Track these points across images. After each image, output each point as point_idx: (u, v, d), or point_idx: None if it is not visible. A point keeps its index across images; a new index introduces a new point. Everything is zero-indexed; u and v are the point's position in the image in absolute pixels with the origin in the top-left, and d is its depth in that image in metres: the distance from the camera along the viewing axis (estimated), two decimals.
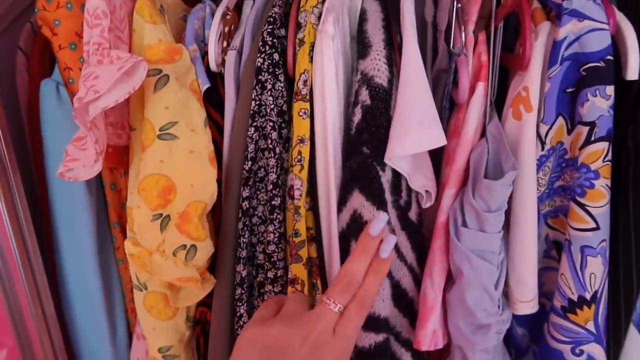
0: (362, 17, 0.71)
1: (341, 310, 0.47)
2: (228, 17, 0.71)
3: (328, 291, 0.48)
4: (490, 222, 0.64)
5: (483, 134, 0.70)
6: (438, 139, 0.65)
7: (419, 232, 0.73)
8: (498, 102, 0.71)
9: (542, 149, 0.66)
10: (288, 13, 0.73)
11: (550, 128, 0.65)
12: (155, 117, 0.63)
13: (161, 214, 0.64)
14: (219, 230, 0.74)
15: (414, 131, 0.64)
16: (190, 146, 0.64)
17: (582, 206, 0.63)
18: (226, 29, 0.71)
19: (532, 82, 0.64)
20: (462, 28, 0.65)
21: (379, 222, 0.50)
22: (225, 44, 0.72)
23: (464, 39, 0.65)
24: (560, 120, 0.65)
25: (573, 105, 0.64)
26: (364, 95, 0.66)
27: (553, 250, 0.73)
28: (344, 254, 0.70)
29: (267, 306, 0.50)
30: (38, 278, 0.76)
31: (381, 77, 0.65)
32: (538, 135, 0.66)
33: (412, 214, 0.72)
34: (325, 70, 0.65)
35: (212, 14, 0.75)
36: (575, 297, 0.65)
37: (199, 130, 0.66)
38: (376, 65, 0.65)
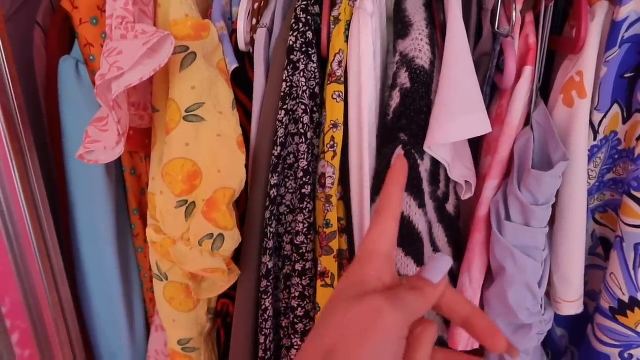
0: None
1: None
2: None
3: None
4: (537, 216, 0.60)
5: (527, 122, 0.66)
6: (483, 126, 0.60)
7: (456, 225, 0.69)
8: (542, 88, 0.67)
9: (595, 138, 0.62)
10: None
11: (604, 116, 0.61)
12: (181, 97, 0.59)
13: (186, 201, 0.61)
14: (243, 219, 0.70)
15: (457, 117, 0.60)
16: (217, 129, 0.60)
17: (637, 200, 0.58)
18: (255, 6, 0.67)
19: (587, 66, 0.59)
20: (514, 7, 0.60)
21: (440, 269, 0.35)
22: (254, 21, 0.67)
23: (514, 19, 0.60)
24: (616, 108, 0.61)
25: (631, 92, 0.59)
26: (403, 78, 0.62)
27: (599, 248, 0.69)
28: None
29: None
30: (55, 263, 0.73)
31: (423, 58, 0.61)
32: (590, 123, 0.61)
33: (450, 206, 0.68)
34: (363, 51, 0.61)
35: None
36: (626, 298, 0.61)
37: (226, 113, 0.62)
38: (418, 45, 0.61)
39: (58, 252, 0.72)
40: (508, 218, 0.62)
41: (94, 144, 0.58)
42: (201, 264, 0.59)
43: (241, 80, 0.68)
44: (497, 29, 0.64)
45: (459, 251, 0.69)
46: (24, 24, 0.71)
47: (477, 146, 0.71)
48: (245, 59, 0.68)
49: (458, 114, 0.59)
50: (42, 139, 0.74)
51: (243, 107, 0.68)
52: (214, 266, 0.60)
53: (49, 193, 0.71)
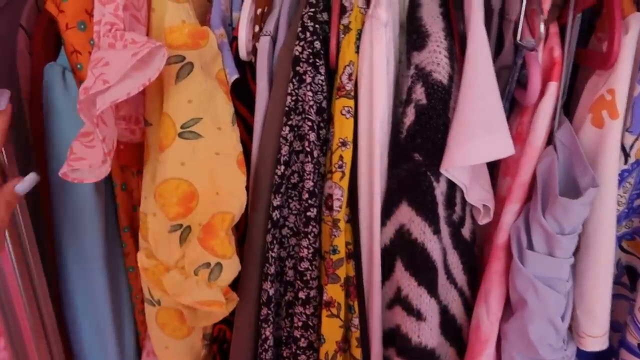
0: (415, 3, 0.62)
1: None
2: None
3: None
4: (562, 245, 0.55)
5: (549, 141, 0.61)
6: (506, 147, 0.56)
7: (472, 251, 0.64)
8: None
9: (625, 162, 0.57)
10: None
11: (637, 139, 0.56)
12: (177, 112, 0.54)
13: (181, 225, 0.56)
14: (241, 242, 0.65)
15: (477, 137, 0.55)
16: (216, 147, 0.55)
17: None
18: (258, 12, 0.62)
19: (620, 83, 0.54)
20: (540, 18, 0.55)
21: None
22: (257, 28, 0.62)
23: (542, 31, 0.55)
24: None
25: None
26: (419, 93, 0.57)
27: (624, 277, 0.64)
28: (387, 272, 0.62)
29: None
30: (37, 284, 0.68)
31: (441, 72, 0.56)
32: (622, 146, 0.56)
33: (466, 231, 0.63)
34: (376, 63, 0.56)
35: None
36: None
37: (226, 128, 0.57)
38: (435, 58, 0.56)
39: (41, 272, 0.67)
40: (530, 247, 0.57)
41: (79, 161, 0.53)
42: (197, 295, 0.54)
43: (241, 92, 0.63)
44: (520, 40, 0.59)
45: (474, 279, 0.65)
46: (7, 27, 0.66)
47: (492, 164, 0.67)
48: (246, 68, 0.63)
49: (478, 134, 0.55)
50: (26, 151, 0.68)
51: (243, 121, 0.63)
52: (211, 298, 0.55)
53: (33, 211, 0.66)
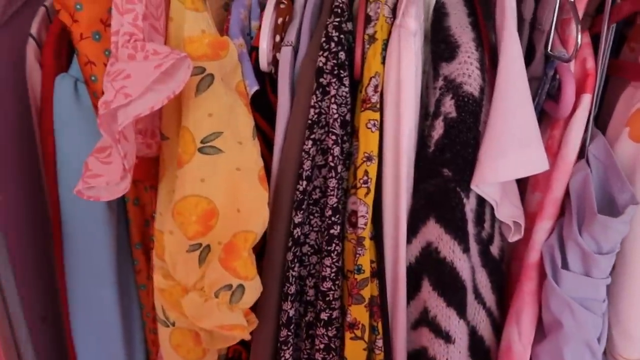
0: (441, 11, 0.60)
1: None
2: (282, 6, 0.60)
3: None
4: (600, 265, 0.53)
5: (580, 154, 0.59)
6: (540, 163, 0.53)
7: (500, 269, 0.62)
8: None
9: None
10: (352, 3, 0.61)
11: None
12: (197, 126, 0.52)
13: (200, 244, 0.53)
14: (258, 258, 0.62)
15: (510, 152, 0.53)
16: (237, 162, 0.53)
17: None
18: (279, 21, 0.60)
19: None
20: (574, 28, 0.53)
21: None
22: (277, 38, 0.60)
23: (578, 41, 0.53)
24: None
25: None
26: (448, 106, 0.54)
27: None
28: (412, 292, 0.59)
29: None
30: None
31: (472, 84, 0.53)
32: None
33: (495, 249, 0.61)
34: (404, 74, 0.54)
35: (259, 1, 0.64)
36: None
37: (247, 143, 0.54)
38: (466, 70, 0.54)
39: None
40: (565, 266, 0.55)
41: (95, 178, 0.50)
42: (218, 319, 0.52)
43: (260, 103, 0.61)
44: (551, 51, 0.57)
45: (502, 298, 0.62)
46: (17, 37, 0.63)
47: (519, 179, 0.64)
48: (265, 80, 0.61)
49: (511, 149, 0.53)
50: (35, 165, 0.66)
51: (263, 134, 0.61)
52: (233, 322, 0.52)
53: (41, 227, 0.64)
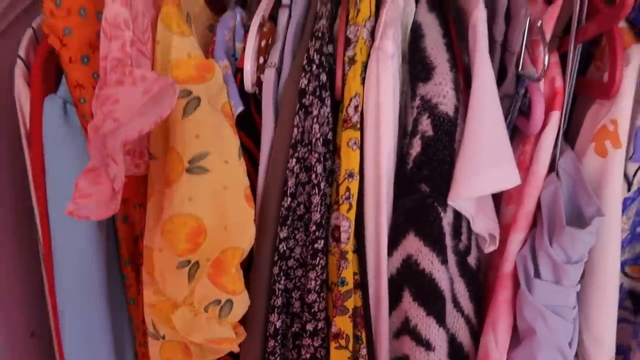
0: (418, 32, 0.62)
1: None
2: (265, 28, 0.62)
3: None
4: (569, 274, 0.56)
5: (551, 168, 0.62)
6: (511, 179, 0.56)
7: (477, 279, 0.64)
8: None
9: (628, 190, 0.58)
10: (333, 25, 0.63)
11: (639, 167, 0.57)
12: (184, 147, 0.54)
13: (189, 261, 0.55)
14: (246, 272, 0.64)
15: (483, 169, 0.55)
16: (224, 181, 0.55)
17: None
18: (263, 43, 0.62)
19: (622, 114, 0.55)
20: (542, 49, 0.56)
21: None
22: (261, 59, 0.62)
23: (546, 61, 0.56)
24: None
25: None
26: (425, 125, 0.57)
27: (627, 301, 0.65)
28: (393, 302, 0.62)
29: None
30: None
31: (447, 104, 0.56)
32: (624, 174, 0.57)
33: (472, 259, 0.63)
34: (382, 96, 0.56)
35: (243, 24, 0.66)
36: None
37: (233, 162, 0.56)
38: (441, 90, 0.56)
39: None
40: (537, 275, 0.57)
41: (85, 198, 0.52)
42: (208, 333, 0.54)
43: (245, 123, 0.63)
44: (522, 70, 0.60)
45: (480, 306, 0.65)
46: (5, 57, 0.64)
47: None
48: (250, 100, 0.63)
49: (485, 166, 0.55)
50: (24, 186, 0.67)
51: (248, 153, 0.63)
52: (222, 335, 0.54)
53: (31, 245, 0.65)
